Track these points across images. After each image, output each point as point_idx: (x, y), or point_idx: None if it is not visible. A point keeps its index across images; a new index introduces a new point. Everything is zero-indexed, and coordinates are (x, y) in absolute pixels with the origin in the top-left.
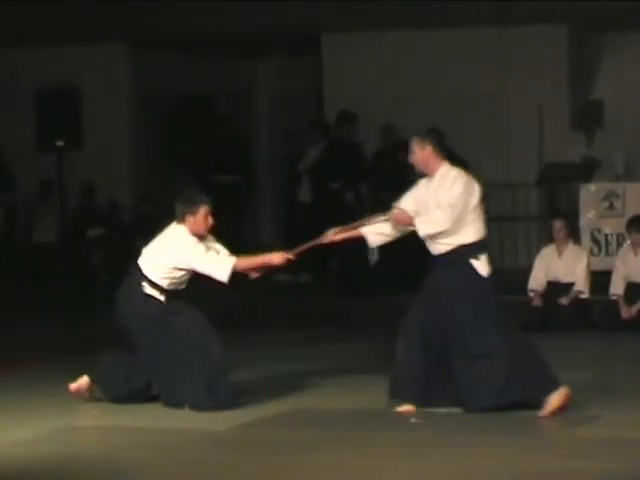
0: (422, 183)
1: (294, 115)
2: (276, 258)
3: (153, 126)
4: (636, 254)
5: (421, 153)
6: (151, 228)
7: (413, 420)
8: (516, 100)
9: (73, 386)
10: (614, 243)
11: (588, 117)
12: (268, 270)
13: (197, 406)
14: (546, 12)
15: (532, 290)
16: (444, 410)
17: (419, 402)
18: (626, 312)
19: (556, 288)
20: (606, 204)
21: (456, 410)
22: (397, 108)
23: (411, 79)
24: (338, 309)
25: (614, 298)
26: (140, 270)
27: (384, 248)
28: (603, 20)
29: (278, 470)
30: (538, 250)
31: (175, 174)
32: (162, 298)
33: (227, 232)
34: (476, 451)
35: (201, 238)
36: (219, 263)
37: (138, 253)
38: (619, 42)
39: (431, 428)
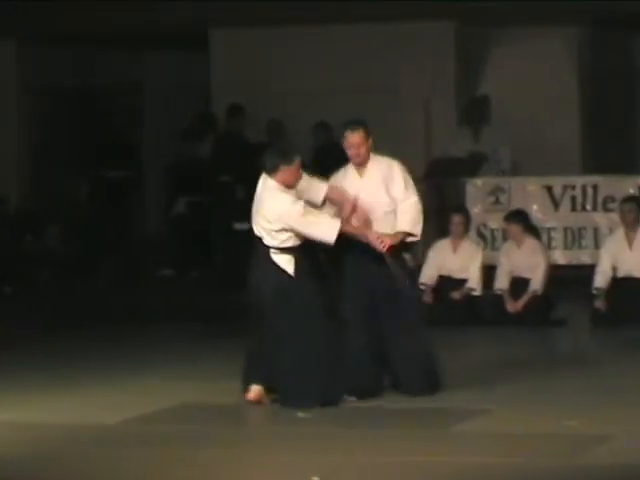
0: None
1: (183, 110)
2: (373, 235)
3: (40, 122)
4: (519, 248)
5: (367, 143)
6: (35, 224)
7: (300, 414)
8: (404, 95)
9: (250, 395)
10: (500, 238)
11: (475, 112)
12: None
13: None
14: (433, 9)
15: (423, 284)
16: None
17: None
18: (512, 306)
19: (448, 283)
20: (492, 199)
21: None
22: (285, 103)
23: (300, 75)
24: (230, 304)
25: (499, 293)
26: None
27: None
28: (489, 17)
29: (165, 464)
30: (424, 244)
31: (62, 170)
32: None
33: (114, 227)
34: (365, 445)
35: (291, 188)
36: (325, 226)
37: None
38: (505, 38)
39: (317, 422)
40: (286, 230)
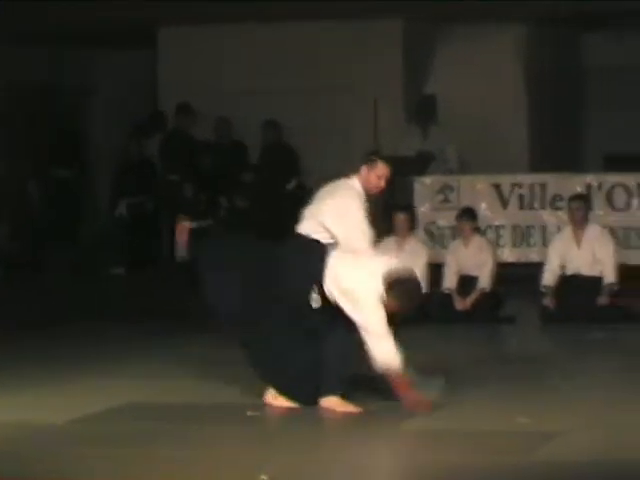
0: None
1: (133, 110)
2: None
3: None
4: (466, 246)
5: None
6: None
7: (249, 413)
8: (353, 94)
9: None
10: (449, 236)
11: (423, 111)
12: None
13: None
14: (382, 7)
15: None
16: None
17: None
18: (460, 304)
19: None
20: (441, 197)
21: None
22: (235, 102)
23: (250, 73)
24: (179, 303)
25: (448, 291)
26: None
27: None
28: (437, 15)
29: (116, 462)
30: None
31: (15, 168)
32: None
33: (63, 226)
34: (314, 444)
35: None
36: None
37: None
38: (453, 37)
39: (266, 421)
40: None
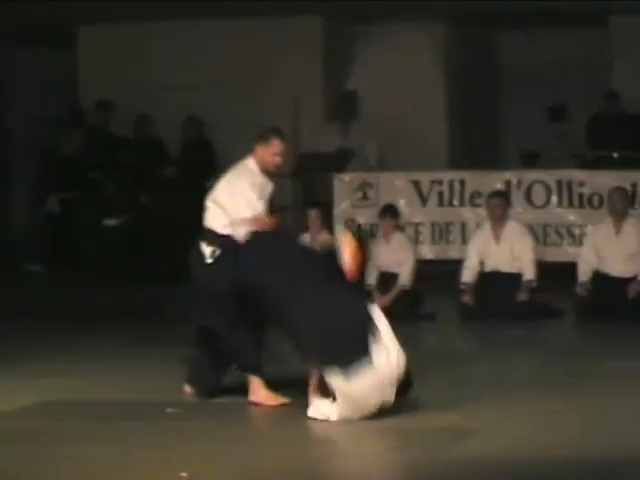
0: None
1: (54, 107)
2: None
3: None
4: (387, 243)
5: None
6: None
7: (169, 410)
8: (273, 91)
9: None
10: (368, 233)
11: (343, 108)
12: None
13: None
14: (301, 5)
15: None
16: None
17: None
18: (380, 301)
19: None
20: (360, 194)
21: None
22: (156, 99)
23: (171, 70)
24: (99, 301)
25: (367, 288)
26: None
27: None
28: (357, 13)
29: (25, 461)
30: None
31: None
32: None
33: None
34: (234, 441)
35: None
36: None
37: None
38: (372, 35)
39: (185, 418)
40: None
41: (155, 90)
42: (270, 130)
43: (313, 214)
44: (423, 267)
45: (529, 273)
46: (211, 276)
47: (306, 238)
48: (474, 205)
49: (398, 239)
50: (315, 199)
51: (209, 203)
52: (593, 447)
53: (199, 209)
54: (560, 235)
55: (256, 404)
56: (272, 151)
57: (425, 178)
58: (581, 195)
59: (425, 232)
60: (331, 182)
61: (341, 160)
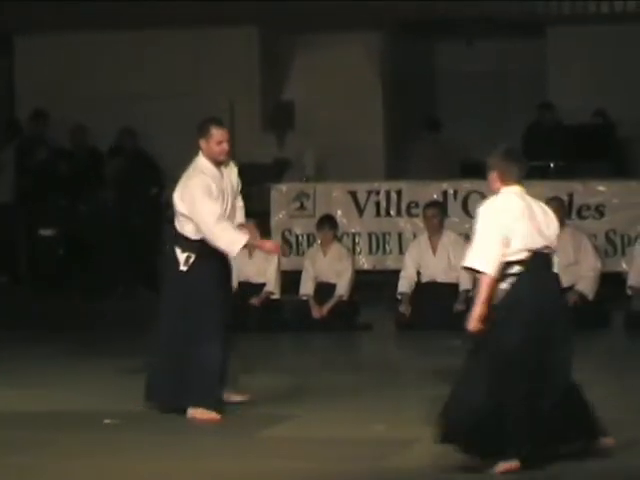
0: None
1: None
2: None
3: None
4: (325, 254)
5: None
6: None
7: (107, 421)
8: (209, 100)
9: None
10: (305, 243)
11: (279, 118)
12: None
13: None
14: (239, 14)
15: None
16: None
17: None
18: (317, 312)
19: (247, 288)
20: (297, 204)
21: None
22: (92, 108)
23: (107, 79)
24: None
25: (304, 298)
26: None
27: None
28: (293, 22)
29: None
30: None
31: None
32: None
33: None
34: (171, 451)
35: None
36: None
37: None
38: (309, 44)
39: (123, 429)
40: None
41: (91, 100)
42: (206, 122)
43: (250, 225)
44: (360, 277)
45: (466, 283)
46: (184, 284)
47: (242, 250)
48: (411, 215)
49: (336, 249)
50: (251, 210)
51: (176, 209)
52: None
53: (140, 218)
54: None
55: (189, 417)
56: (215, 140)
57: (362, 188)
58: None
59: (362, 242)
60: (268, 192)
61: (278, 170)
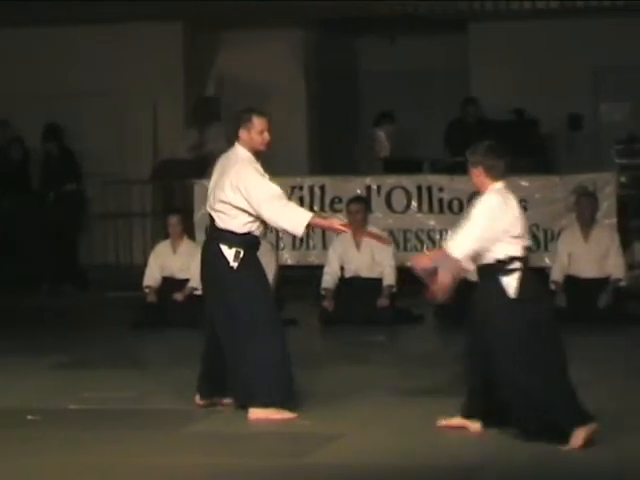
0: None
1: None
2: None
3: None
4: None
5: None
6: None
7: (29, 417)
8: (131, 97)
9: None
10: None
11: (202, 113)
12: None
13: None
14: (161, 10)
15: (147, 286)
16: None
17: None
18: None
19: (171, 284)
20: None
21: None
22: (14, 105)
23: (28, 76)
24: None
25: None
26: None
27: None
28: (217, 19)
29: None
30: (153, 246)
31: None
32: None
33: None
34: (97, 446)
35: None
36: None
37: None
38: (233, 40)
39: (47, 424)
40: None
41: (11, 97)
42: (246, 111)
43: (173, 220)
44: (284, 273)
45: (389, 278)
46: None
47: (166, 245)
48: (334, 210)
49: (262, 245)
50: (175, 205)
51: (218, 205)
52: (445, 454)
53: (60, 215)
54: (420, 240)
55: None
56: (258, 129)
57: (285, 184)
58: (441, 200)
59: (285, 238)
60: (191, 188)
61: (201, 166)
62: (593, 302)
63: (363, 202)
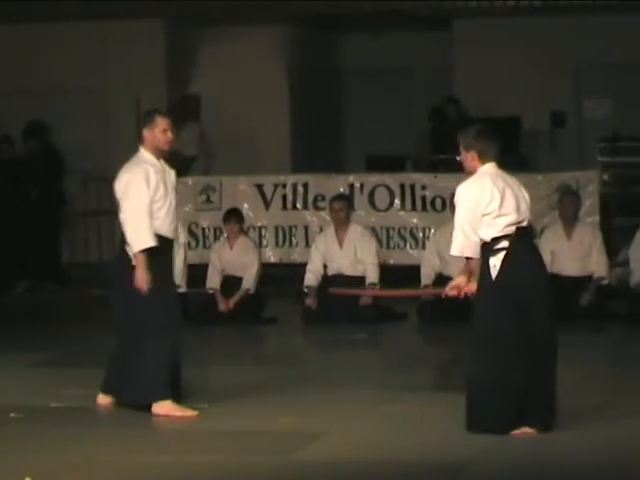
0: None
1: None
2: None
3: None
4: (231, 247)
5: None
6: None
7: (12, 415)
8: (114, 94)
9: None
10: (211, 236)
11: (185, 111)
12: None
13: None
14: (144, 8)
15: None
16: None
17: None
18: (224, 305)
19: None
20: (203, 197)
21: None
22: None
23: (7, 73)
24: None
25: (211, 292)
26: None
27: None
28: (199, 16)
29: None
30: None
31: None
32: None
33: None
34: (77, 444)
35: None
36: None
37: None
38: (216, 37)
39: (29, 422)
40: None
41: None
42: (150, 112)
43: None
44: (266, 271)
45: (372, 276)
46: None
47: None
48: (317, 208)
49: (243, 243)
50: None
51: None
52: (431, 450)
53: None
54: (403, 238)
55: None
56: (161, 128)
57: (268, 181)
58: (424, 198)
59: (268, 236)
60: None
61: (184, 163)
62: (575, 300)
63: (346, 200)
